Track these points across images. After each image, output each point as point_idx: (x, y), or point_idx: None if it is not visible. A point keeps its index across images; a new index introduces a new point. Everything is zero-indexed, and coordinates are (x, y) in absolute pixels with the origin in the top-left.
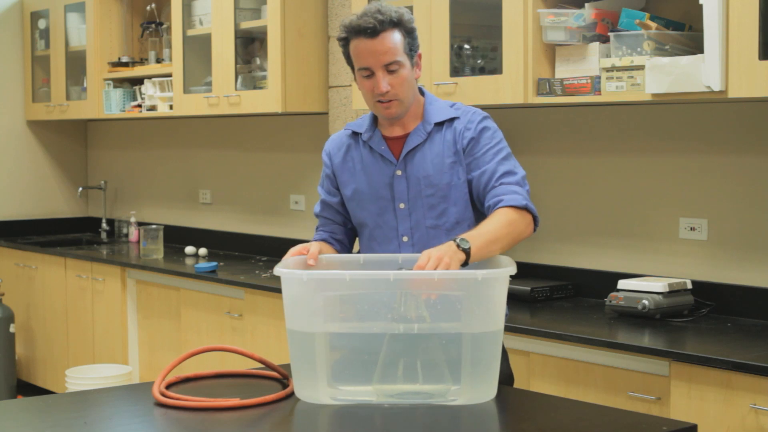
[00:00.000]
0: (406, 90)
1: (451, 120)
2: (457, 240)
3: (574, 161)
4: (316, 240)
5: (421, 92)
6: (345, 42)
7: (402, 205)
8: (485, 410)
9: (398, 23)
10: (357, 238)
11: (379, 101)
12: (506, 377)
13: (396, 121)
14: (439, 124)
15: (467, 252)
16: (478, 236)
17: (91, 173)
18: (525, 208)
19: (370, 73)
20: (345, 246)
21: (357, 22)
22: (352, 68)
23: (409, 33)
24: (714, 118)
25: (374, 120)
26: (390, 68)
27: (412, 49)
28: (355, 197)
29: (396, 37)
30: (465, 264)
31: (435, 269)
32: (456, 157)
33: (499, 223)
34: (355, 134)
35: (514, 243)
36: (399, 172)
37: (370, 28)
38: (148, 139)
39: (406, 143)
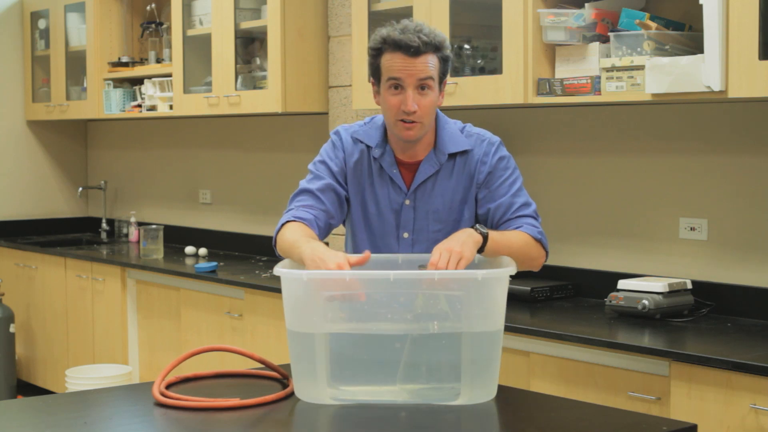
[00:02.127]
0: (429, 115)
1: (464, 152)
2: (476, 225)
3: (574, 161)
4: (301, 218)
5: None
6: (377, 53)
7: (406, 235)
8: (485, 410)
9: (439, 48)
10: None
11: (401, 120)
12: None
13: (409, 144)
14: (452, 155)
15: (485, 237)
16: (496, 233)
17: (91, 173)
18: (540, 242)
19: (400, 89)
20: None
21: (399, 37)
22: (377, 80)
23: (445, 60)
24: (714, 118)
25: (384, 133)
26: (422, 84)
27: (443, 75)
28: (361, 212)
29: (433, 60)
30: (480, 251)
31: (447, 262)
32: (467, 193)
33: (516, 237)
34: (363, 146)
35: (522, 263)
36: (408, 202)
37: (413, 47)
38: (148, 139)
39: (417, 173)
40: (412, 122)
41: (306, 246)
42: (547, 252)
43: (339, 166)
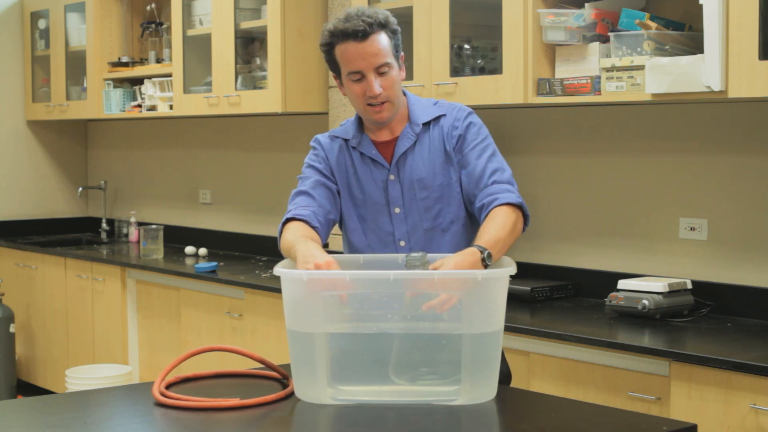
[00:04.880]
0: (396, 91)
1: (437, 118)
2: (484, 254)
3: (574, 161)
4: (300, 215)
5: (403, 93)
6: (329, 47)
7: (397, 210)
8: (485, 410)
9: (385, 25)
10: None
11: (370, 104)
12: (504, 376)
13: (384, 124)
14: (426, 124)
15: (487, 264)
16: (495, 243)
17: (91, 173)
18: (519, 206)
19: (361, 77)
20: (320, 234)
21: (344, 26)
22: (338, 74)
23: (395, 34)
24: (714, 118)
25: (360, 125)
26: (380, 70)
27: (397, 50)
28: (350, 201)
29: (383, 38)
30: None
31: (446, 303)
32: (446, 157)
33: (506, 227)
34: (341, 140)
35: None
36: (392, 177)
37: (360, 32)
38: (148, 139)
39: (396, 147)
40: (381, 104)
41: (300, 245)
42: (527, 216)
43: (323, 164)
